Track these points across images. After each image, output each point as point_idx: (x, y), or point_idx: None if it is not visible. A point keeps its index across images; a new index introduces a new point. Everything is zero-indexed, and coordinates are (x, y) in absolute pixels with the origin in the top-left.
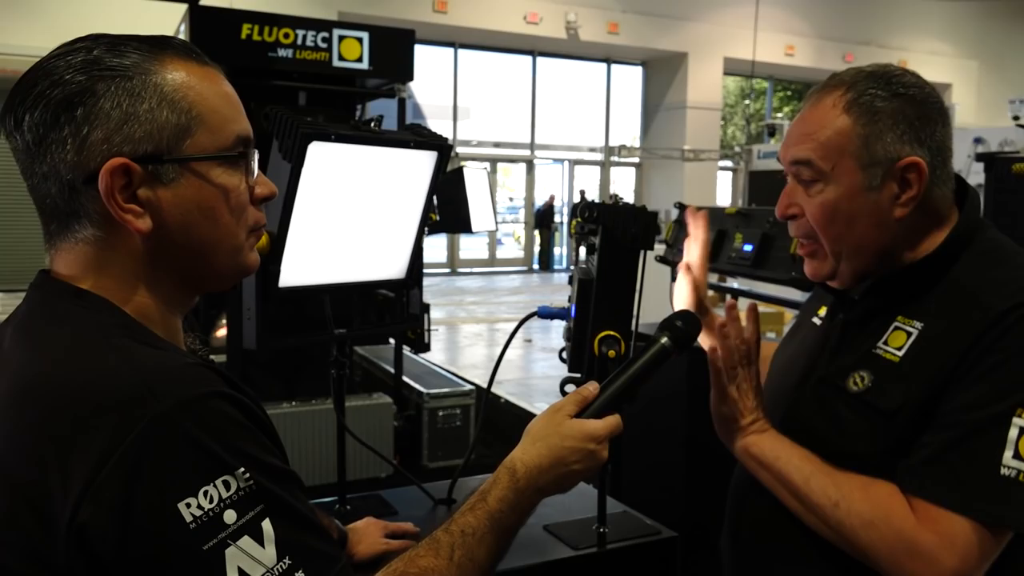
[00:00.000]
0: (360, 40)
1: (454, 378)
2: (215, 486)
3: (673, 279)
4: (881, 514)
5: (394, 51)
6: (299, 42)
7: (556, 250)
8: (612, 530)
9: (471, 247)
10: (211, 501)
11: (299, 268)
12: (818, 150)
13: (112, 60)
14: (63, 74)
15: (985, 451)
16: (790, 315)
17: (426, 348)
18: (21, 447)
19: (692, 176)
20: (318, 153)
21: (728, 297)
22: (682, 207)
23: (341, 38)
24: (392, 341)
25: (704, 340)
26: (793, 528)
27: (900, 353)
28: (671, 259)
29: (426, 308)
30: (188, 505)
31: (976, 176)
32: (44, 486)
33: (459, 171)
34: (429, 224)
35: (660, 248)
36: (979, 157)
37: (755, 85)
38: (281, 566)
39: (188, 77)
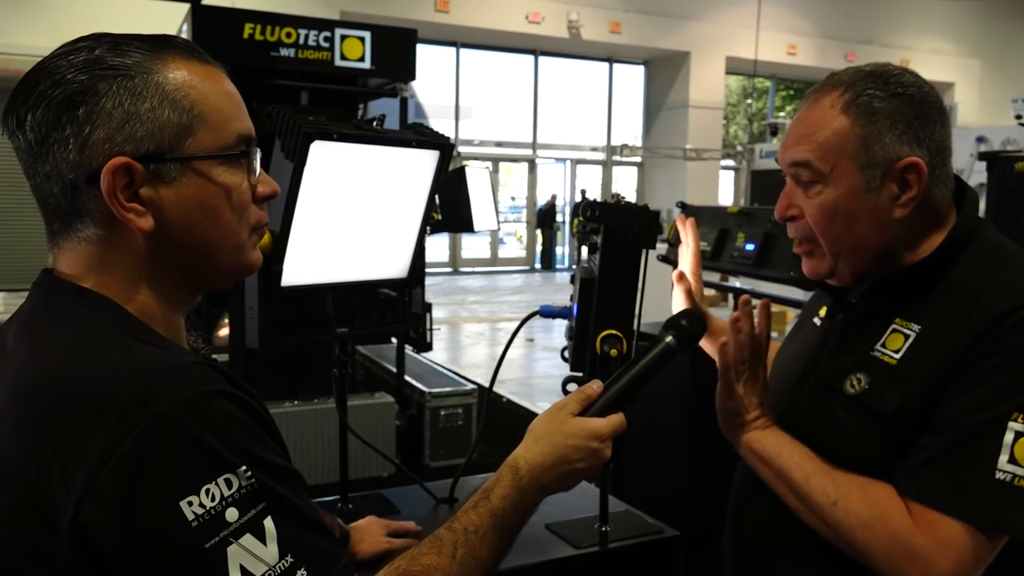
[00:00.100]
0: (362, 40)
1: (456, 377)
2: (217, 484)
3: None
4: (878, 515)
5: (396, 50)
6: (301, 41)
7: (558, 249)
8: (614, 529)
9: (473, 246)
10: (213, 499)
11: (301, 267)
12: (816, 151)
13: (114, 59)
14: (65, 73)
15: (981, 455)
16: (792, 314)
17: (428, 347)
18: (23, 446)
19: (694, 175)
20: (320, 152)
21: (731, 296)
22: (684, 206)
23: (343, 38)
24: (394, 340)
25: (704, 344)
26: (795, 527)
27: (897, 356)
28: (673, 258)
29: (428, 307)
30: (190, 503)
31: (979, 175)
32: (46, 485)
33: (461, 170)
34: (431, 223)
35: (662, 247)
36: (982, 156)
37: (757, 84)
38: (283, 564)
39: (190, 76)
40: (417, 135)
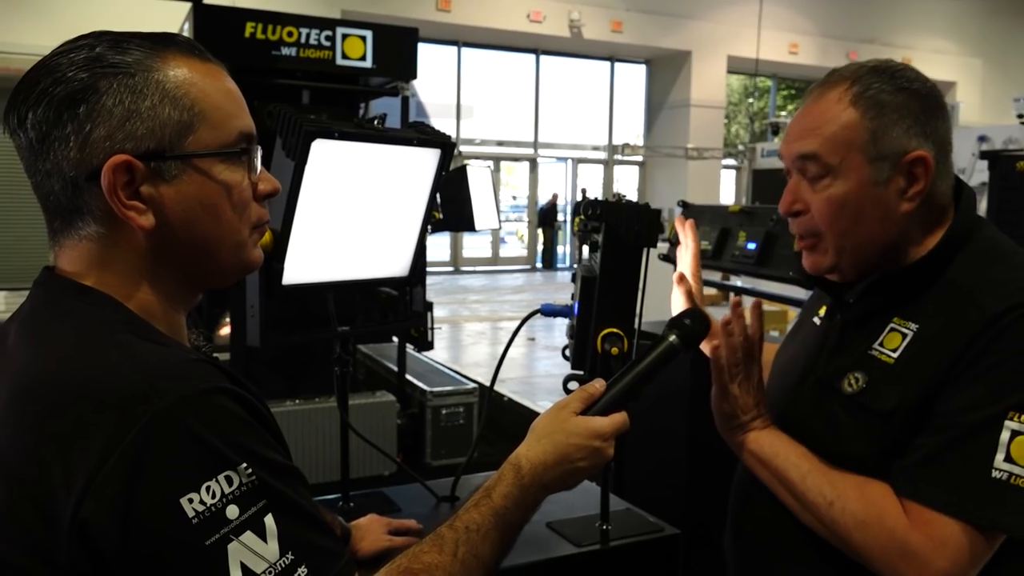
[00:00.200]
0: (363, 38)
1: (457, 376)
2: (217, 481)
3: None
4: (874, 515)
5: (397, 49)
6: (302, 40)
7: (559, 248)
8: (615, 527)
9: (474, 245)
10: (213, 497)
11: (303, 265)
12: (825, 144)
13: (114, 57)
14: (66, 71)
15: (978, 454)
16: (793, 313)
17: (429, 346)
18: (24, 444)
19: (696, 174)
20: (321, 151)
21: (731, 295)
22: (685, 205)
23: (344, 36)
24: (395, 339)
25: (703, 345)
26: (795, 527)
27: (895, 355)
28: (673, 257)
29: (429, 306)
30: (190, 500)
31: (980, 174)
32: (46, 483)
33: (462, 169)
34: (432, 222)
35: (663, 246)
36: (983, 155)
37: (759, 83)
38: (284, 561)
39: (190, 74)
40: (418, 134)
